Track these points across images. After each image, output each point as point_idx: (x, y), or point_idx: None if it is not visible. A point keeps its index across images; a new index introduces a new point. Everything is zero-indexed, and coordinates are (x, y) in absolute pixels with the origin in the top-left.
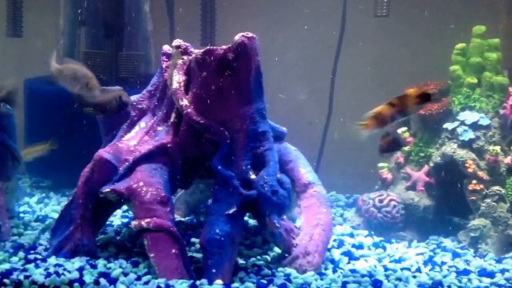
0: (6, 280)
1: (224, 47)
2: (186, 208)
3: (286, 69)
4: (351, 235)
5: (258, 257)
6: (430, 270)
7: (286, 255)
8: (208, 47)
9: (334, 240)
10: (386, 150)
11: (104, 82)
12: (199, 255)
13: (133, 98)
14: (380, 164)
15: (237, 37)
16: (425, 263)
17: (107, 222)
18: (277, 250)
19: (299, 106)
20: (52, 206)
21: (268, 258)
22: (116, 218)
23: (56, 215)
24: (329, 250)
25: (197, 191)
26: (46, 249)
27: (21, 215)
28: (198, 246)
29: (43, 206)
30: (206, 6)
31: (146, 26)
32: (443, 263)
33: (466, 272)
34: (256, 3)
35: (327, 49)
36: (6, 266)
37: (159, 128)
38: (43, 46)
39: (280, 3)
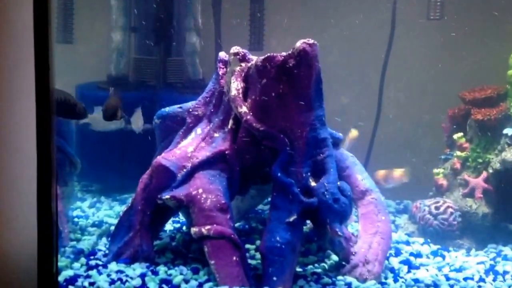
0: (71, 287)
1: (284, 53)
2: (238, 213)
3: (334, 71)
4: (407, 243)
5: (316, 265)
6: (493, 280)
7: (344, 263)
8: (268, 54)
9: (391, 248)
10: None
11: (153, 88)
12: (254, 262)
13: (189, 104)
14: (436, 170)
15: (298, 44)
16: (487, 272)
17: None
18: (333, 257)
19: (345, 108)
20: (105, 211)
21: (326, 266)
22: (168, 223)
23: (110, 220)
24: (387, 258)
25: (248, 196)
26: (105, 255)
27: (75, 219)
28: (252, 252)
29: (96, 211)
30: (255, 10)
31: (193, 32)
32: (505, 272)
33: None
34: (302, 5)
35: (375, 50)
36: (69, 272)
37: (216, 135)
38: (94, 53)
39: (326, 4)
